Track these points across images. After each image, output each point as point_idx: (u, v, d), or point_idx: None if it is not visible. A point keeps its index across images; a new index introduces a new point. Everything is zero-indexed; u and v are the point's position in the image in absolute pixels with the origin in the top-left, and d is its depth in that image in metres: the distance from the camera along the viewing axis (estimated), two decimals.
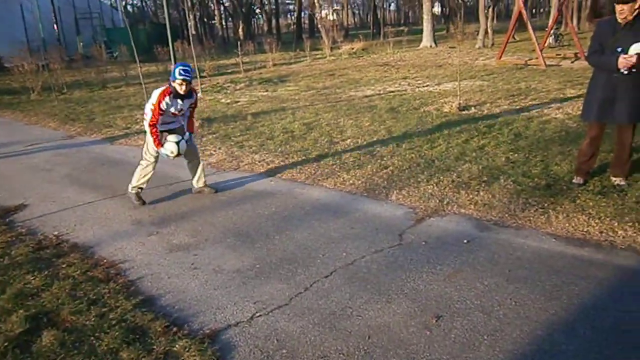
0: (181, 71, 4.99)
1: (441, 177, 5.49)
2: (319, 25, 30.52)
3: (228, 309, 3.37)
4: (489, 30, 24.71)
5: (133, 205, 5.45)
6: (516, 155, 6.06)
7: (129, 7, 53.09)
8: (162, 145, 5.20)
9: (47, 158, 8.01)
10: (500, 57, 16.77)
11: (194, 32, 39.08)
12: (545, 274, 3.53)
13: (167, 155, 5.21)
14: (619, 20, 4.41)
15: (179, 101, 5.17)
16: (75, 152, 8.39)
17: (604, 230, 4.07)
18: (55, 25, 33.40)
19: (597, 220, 4.23)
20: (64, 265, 4.14)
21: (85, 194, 6.00)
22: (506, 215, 4.51)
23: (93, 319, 3.33)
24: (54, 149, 8.65)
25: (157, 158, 5.40)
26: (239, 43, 22.12)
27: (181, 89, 5.07)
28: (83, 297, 3.60)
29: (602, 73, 4.59)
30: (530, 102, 9.40)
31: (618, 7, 4.35)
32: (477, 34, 24.32)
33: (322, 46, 26.56)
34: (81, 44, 30.86)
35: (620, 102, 4.51)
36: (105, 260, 4.20)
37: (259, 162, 6.76)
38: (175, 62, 10.73)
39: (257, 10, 53.75)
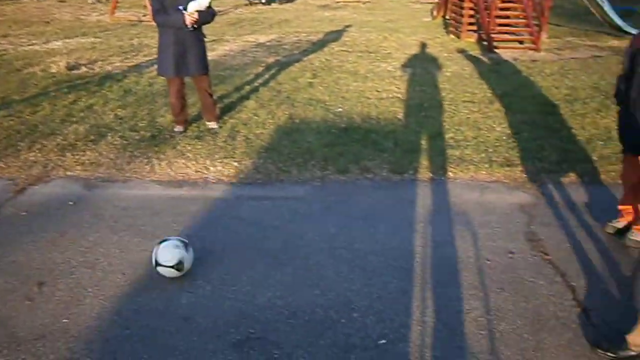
0: None
1: (45, 143, 5.20)
2: None
3: None
4: None
5: None
6: (124, 111, 6.18)
7: None
8: None
9: None
10: (113, 12, 16.41)
11: None
12: (148, 218, 3.83)
13: None
14: None
15: None
16: None
17: (200, 170, 4.63)
18: None
19: (194, 162, 4.76)
20: None
21: None
22: (113, 170, 4.63)
23: None
24: None
25: None
26: None
27: None
28: None
29: (169, 31, 5.03)
30: (142, 59, 9.59)
31: None
32: None
33: None
34: None
35: (190, 56, 5.09)
36: None
37: None
38: None
39: None
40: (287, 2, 22.24)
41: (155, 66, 8.75)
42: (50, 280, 3.10)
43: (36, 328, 2.74)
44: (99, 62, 9.23)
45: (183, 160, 4.79)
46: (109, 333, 2.71)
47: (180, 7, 4.83)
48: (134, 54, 10.11)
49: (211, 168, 4.64)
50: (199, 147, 5.07)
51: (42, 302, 2.93)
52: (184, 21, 4.84)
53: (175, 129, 5.44)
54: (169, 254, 3.08)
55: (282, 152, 4.94)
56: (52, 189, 4.31)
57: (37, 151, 5.01)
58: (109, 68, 8.77)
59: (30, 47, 11.19)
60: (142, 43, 11.45)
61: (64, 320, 2.80)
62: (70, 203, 4.04)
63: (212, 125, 5.54)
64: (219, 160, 4.77)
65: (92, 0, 22.51)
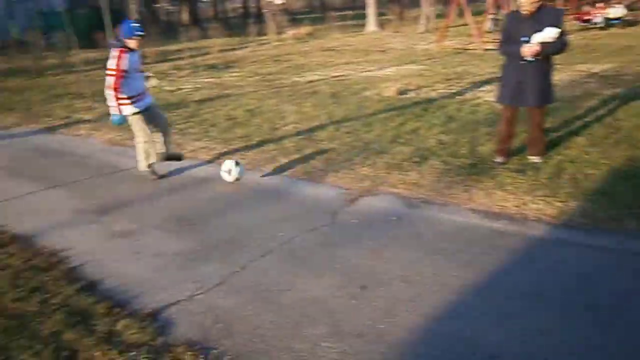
0: (137, 26, 5.24)
1: (375, 160, 5.78)
2: (265, 10, 30.32)
3: (168, 290, 3.54)
4: (431, 15, 25.27)
5: (72, 194, 5.50)
6: (447, 136, 6.42)
7: None
8: (120, 111, 5.25)
9: None
10: (441, 41, 17.28)
11: (136, 17, 37.98)
12: (463, 245, 3.87)
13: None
14: (522, 11, 4.81)
15: (136, 57, 5.34)
16: (12, 142, 8.22)
17: (519, 205, 4.46)
18: None
19: (513, 196, 4.61)
20: (4, 256, 4.18)
21: (24, 184, 5.96)
22: (433, 193, 4.84)
23: (35, 305, 3.42)
24: None
25: (145, 130, 5.49)
26: (183, 28, 21.76)
27: (135, 45, 5.26)
28: (25, 286, 3.67)
29: (512, 60, 4.99)
30: (465, 86, 9.85)
31: (518, 1, 4.80)
32: (420, 19, 24.82)
33: (268, 31, 26.48)
34: (15, 29, 29.53)
35: (528, 87, 4.93)
36: (46, 249, 4.26)
37: (201, 148, 6.87)
38: None
39: None
40: (629, 25, 19.77)
41: (480, 93, 8.93)
42: (371, 286, 3.41)
43: (357, 326, 3.04)
44: (425, 88, 9.83)
45: (502, 193, 4.69)
46: (418, 350, 2.82)
47: (525, 38, 4.75)
48: (457, 81, 10.45)
49: (531, 205, 4.42)
50: (520, 181, 4.89)
51: (362, 304, 3.24)
52: (522, 53, 4.76)
53: (496, 160, 5.38)
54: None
55: (616, 199, 4.38)
56: (379, 203, 4.75)
57: (368, 166, 5.60)
58: (434, 94, 9.26)
59: (368, 73, 12.65)
60: (466, 71, 11.75)
61: (380, 326, 3.03)
62: (393, 218, 4.39)
63: (535, 159, 5.29)
64: (540, 198, 4.51)
65: (421, 30, 24.20)
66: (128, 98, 5.32)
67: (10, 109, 11.14)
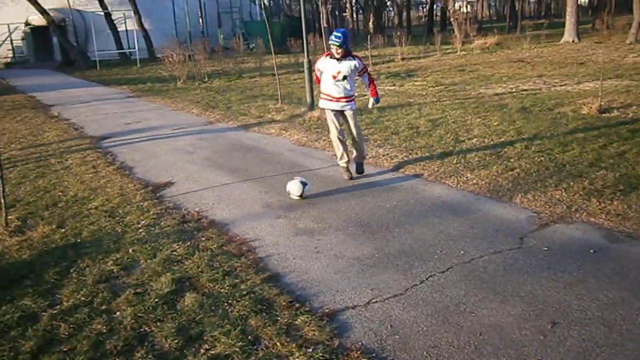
0: (332, 36, 5.71)
1: (571, 183, 5.26)
2: (451, 19, 29.71)
3: (346, 293, 3.60)
4: None
5: (262, 189, 5.92)
6: None
7: (265, 1, 55.84)
8: (319, 81, 6.02)
9: (190, 141, 8.85)
10: None
11: (325, 25, 39.94)
12: None
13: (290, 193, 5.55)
14: None
15: (336, 62, 5.77)
16: (214, 137, 9.17)
17: None
18: (200, 19, 36.14)
19: None
20: (203, 239, 4.65)
21: (222, 176, 6.59)
22: None
23: (227, 288, 3.73)
24: (196, 134, 9.52)
25: (337, 130, 5.95)
26: (368, 36, 22.29)
27: (336, 52, 5.72)
28: (219, 268, 4.04)
29: None
30: None
31: None
32: (630, 28, 22.19)
33: (453, 40, 25.90)
34: (222, 36, 33.07)
35: None
36: (238, 237, 4.64)
37: (383, 156, 6.93)
38: (308, 55, 11.22)
39: (388, 3, 53.55)
40: None
41: None
42: (564, 323, 3.08)
43: None
44: (634, 107, 8.75)
45: None
46: None
47: None
48: None
49: None
50: None
51: (553, 342, 2.93)
52: None
53: None
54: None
55: None
56: (573, 232, 4.30)
57: (562, 190, 5.12)
58: None
59: (563, 87, 11.67)
60: None
61: None
62: (591, 251, 3.93)
63: None
64: None
65: (630, 40, 21.59)
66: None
67: (214, 107, 12.47)
